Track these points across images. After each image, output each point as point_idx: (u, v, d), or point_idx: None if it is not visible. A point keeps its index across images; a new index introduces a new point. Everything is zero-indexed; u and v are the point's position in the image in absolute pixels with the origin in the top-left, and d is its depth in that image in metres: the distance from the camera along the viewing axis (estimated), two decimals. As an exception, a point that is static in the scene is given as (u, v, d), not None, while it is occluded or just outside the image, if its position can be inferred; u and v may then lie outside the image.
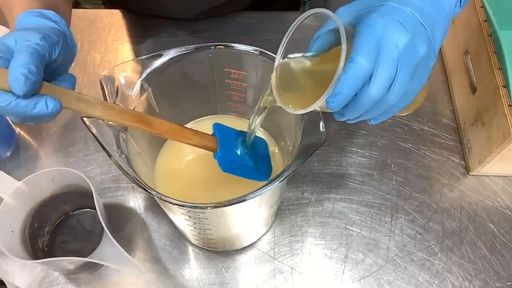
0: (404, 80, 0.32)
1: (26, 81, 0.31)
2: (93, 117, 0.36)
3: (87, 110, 0.35)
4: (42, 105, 0.33)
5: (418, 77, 0.33)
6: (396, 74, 0.31)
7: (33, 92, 0.32)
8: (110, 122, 0.37)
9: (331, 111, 0.33)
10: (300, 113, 0.33)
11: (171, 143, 0.50)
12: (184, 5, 0.67)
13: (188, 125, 0.52)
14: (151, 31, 0.70)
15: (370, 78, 0.31)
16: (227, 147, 0.42)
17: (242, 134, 0.44)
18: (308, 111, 0.32)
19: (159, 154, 0.50)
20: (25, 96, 0.32)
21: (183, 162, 0.50)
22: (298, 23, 0.34)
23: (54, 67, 0.36)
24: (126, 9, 0.72)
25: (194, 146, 0.41)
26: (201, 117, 0.53)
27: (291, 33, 0.35)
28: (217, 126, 0.43)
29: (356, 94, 0.32)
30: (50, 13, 0.39)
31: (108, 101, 0.40)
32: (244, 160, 0.43)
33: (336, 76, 0.30)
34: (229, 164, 0.42)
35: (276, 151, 0.51)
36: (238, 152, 0.43)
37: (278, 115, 0.46)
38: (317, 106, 0.32)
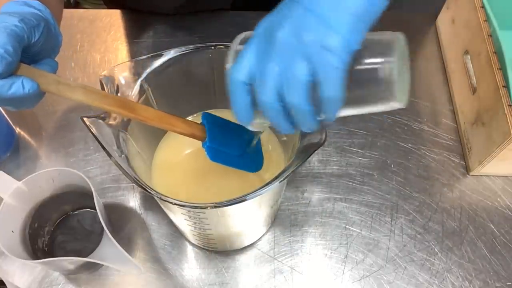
0: (278, 79, 0.31)
1: (2, 60, 0.31)
2: (74, 100, 0.35)
3: (67, 93, 0.35)
4: (18, 86, 0.33)
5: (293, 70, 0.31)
6: (277, 83, 0.31)
7: (9, 72, 0.33)
8: (101, 108, 0.37)
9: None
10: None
11: (167, 141, 0.50)
12: None
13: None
14: (151, 31, 0.70)
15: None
16: (216, 136, 0.41)
17: (232, 124, 0.43)
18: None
19: (156, 152, 0.50)
20: (1, 76, 0.32)
21: (181, 161, 0.50)
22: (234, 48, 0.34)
23: (35, 51, 0.36)
24: (129, 8, 0.72)
25: (181, 134, 0.40)
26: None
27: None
28: (206, 115, 0.42)
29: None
30: (35, 2, 0.38)
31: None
32: (234, 150, 0.42)
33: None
34: (217, 153, 0.41)
35: (277, 151, 0.51)
36: (227, 141, 0.42)
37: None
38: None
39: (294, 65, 0.29)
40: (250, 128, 0.36)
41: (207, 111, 0.43)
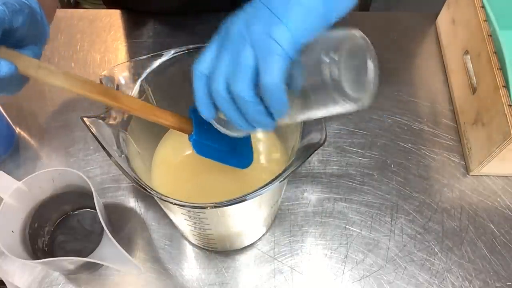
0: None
1: None
2: (55, 86, 0.35)
3: (47, 78, 0.35)
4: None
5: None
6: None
7: None
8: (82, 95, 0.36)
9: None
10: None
11: (167, 141, 0.50)
12: None
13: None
14: (151, 31, 0.70)
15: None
16: (203, 130, 0.41)
17: None
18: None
19: (156, 152, 0.50)
20: None
21: (181, 161, 0.50)
22: None
23: (18, 37, 0.36)
24: (128, 8, 0.72)
25: (167, 126, 0.40)
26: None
27: None
28: (194, 109, 0.41)
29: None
30: None
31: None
32: (222, 145, 0.42)
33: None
34: (204, 148, 0.41)
35: (277, 151, 0.51)
36: (215, 136, 0.41)
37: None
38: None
39: (240, 52, 0.30)
40: (227, 133, 0.37)
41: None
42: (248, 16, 0.31)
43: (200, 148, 0.41)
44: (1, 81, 0.34)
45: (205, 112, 0.35)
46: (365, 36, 0.30)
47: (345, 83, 0.29)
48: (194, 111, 0.41)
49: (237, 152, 0.43)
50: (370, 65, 0.31)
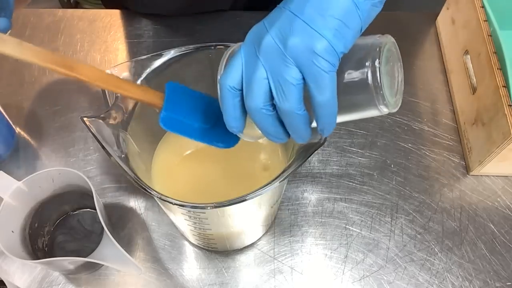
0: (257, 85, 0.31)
1: None
2: (7, 55, 0.34)
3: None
4: None
5: (274, 80, 0.31)
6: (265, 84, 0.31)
7: None
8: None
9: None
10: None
11: (167, 141, 0.50)
12: None
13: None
14: (151, 31, 0.70)
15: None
16: (176, 105, 0.39)
17: (201, 94, 0.41)
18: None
19: (156, 152, 0.50)
20: None
21: (181, 161, 0.50)
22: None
23: None
24: (126, 8, 0.72)
25: (134, 99, 0.38)
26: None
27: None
28: (170, 84, 0.39)
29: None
30: None
31: (109, 101, 0.39)
32: (198, 122, 0.40)
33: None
34: (175, 123, 0.39)
35: (277, 151, 0.51)
36: (191, 112, 0.39)
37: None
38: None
39: (283, 69, 0.29)
40: (243, 137, 0.36)
41: (172, 82, 0.40)
42: (280, 28, 0.30)
43: (171, 124, 0.38)
44: None
45: (236, 126, 0.34)
46: (395, 42, 0.32)
47: (382, 88, 0.30)
48: (170, 86, 0.39)
49: (219, 131, 0.40)
50: (401, 71, 0.33)
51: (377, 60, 0.30)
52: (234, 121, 0.34)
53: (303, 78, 0.30)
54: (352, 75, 0.31)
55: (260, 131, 0.34)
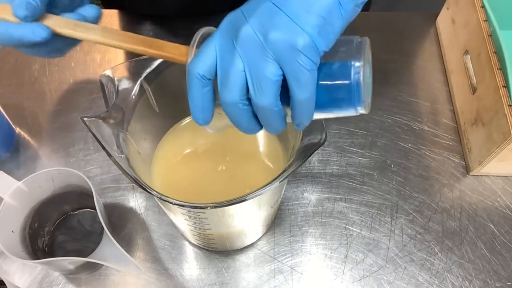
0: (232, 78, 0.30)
1: (27, 5, 0.33)
2: (92, 41, 0.36)
3: (86, 35, 0.35)
4: (28, 30, 0.34)
5: (251, 70, 0.29)
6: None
7: (33, 18, 0.34)
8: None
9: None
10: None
11: (167, 141, 0.50)
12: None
13: (187, 119, 0.52)
14: (150, 31, 0.70)
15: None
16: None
17: None
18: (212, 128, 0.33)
19: (156, 153, 0.50)
20: (25, 20, 0.34)
21: (181, 161, 0.50)
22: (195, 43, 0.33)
23: (63, 3, 0.37)
24: (123, 9, 0.72)
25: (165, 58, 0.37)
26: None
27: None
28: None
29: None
30: None
31: (109, 101, 0.39)
32: None
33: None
34: None
35: (277, 151, 0.51)
36: None
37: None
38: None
39: (262, 64, 0.28)
40: (208, 129, 0.35)
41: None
42: (262, 20, 0.29)
43: None
44: (44, 44, 0.35)
45: (203, 117, 0.32)
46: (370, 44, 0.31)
47: (362, 88, 0.30)
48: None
49: None
50: (371, 71, 0.32)
51: (361, 60, 0.30)
52: (202, 112, 0.32)
53: (282, 74, 0.29)
54: (334, 74, 0.30)
55: (225, 123, 0.33)
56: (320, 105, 0.31)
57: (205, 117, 0.33)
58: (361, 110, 0.31)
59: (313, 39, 0.28)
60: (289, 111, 0.31)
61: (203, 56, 0.30)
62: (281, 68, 0.29)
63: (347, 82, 0.30)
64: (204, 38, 0.33)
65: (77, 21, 0.36)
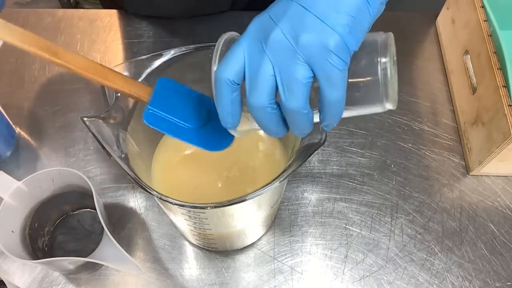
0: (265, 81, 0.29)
1: None
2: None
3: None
4: None
5: (283, 74, 0.29)
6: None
7: None
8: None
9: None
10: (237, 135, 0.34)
11: (168, 141, 0.50)
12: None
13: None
14: (151, 31, 0.70)
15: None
16: (164, 100, 0.37)
17: (193, 92, 0.39)
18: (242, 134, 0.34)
19: (156, 152, 0.50)
20: None
21: (181, 160, 0.50)
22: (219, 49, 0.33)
23: None
24: (123, 9, 0.72)
25: (119, 91, 0.37)
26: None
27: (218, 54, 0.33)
28: (161, 79, 0.37)
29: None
30: None
31: (109, 101, 0.39)
32: (185, 120, 0.38)
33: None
34: (159, 119, 0.37)
35: (277, 151, 0.51)
36: (179, 109, 0.37)
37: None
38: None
39: (293, 66, 0.28)
40: (233, 133, 0.34)
41: (164, 78, 0.38)
42: (291, 22, 0.28)
43: (156, 121, 0.37)
44: None
45: (233, 122, 0.32)
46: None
47: (389, 84, 0.30)
48: (161, 81, 0.38)
49: (209, 132, 0.39)
50: (396, 65, 0.32)
51: (387, 56, 0.30)
52: (231, 117, 0.32)
53: (312, 76, 0.29)
54: (362, 71, 0.30)
55: (250, 126, 0.33)
56: (348, 104, 0.31)
57: (234, 122, 0.32)
58: (389, 106, 0.31)
59: (344, 38, 0.28)
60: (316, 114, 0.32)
61: (231, 61, 0.30)
62: (311, 70, 0.29)
63: (374, 78, 0.30)
64: (227, 44, 0.33)
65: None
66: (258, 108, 0.30)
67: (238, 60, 0.30)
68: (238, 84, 0.31)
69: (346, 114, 0.33)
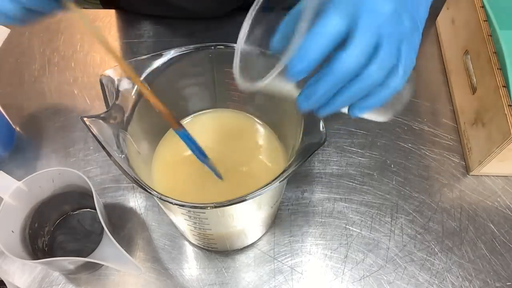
0: (388, 52, 0.28)
1: None
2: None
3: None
4: None
5: (406, 54, 0.29)
6: (377, 42, 0.27)
7: None
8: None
9: (292, 81, 0.28)
10: (255, 86, 0.30)
11: (167, 141, 0.50)
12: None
13: (187, 119, 0.52)
14: (151, 31, 0.70)
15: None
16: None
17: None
18: (265, 82, 0.29)
19: (156, 152, 0.50)
20: None
21: (181, 160, 0.50)
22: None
23: None
24: (122, 9, 0.72)
25: (160, 110, 0.39)
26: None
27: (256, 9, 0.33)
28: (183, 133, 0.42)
29: (326, 63, 0.27)
30: None
31: (109, 101, 0.40)
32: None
33: (300, 32, 0.25)
34: (189, 141, 0.42)
35: (277, 151, 0.51)
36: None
37: (280, 114, 0.46)
38: (274, 74, 0.27)
39: (412, 47, 0.30)
40: (261, 83, 0.30)
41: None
42: (394, 3, 0.28)
43: (187, 139, 0.42)
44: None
45: (302, 69, 0.28)
46: None
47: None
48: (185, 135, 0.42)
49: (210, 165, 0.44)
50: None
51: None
52: (308, 64, 0.27)
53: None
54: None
55: (280, 89, 0.32)
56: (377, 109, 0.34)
57: (305, 69, 0.28)
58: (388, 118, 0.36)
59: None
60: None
61: (355, 49, 0.28)
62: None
63: (400, 95, 0.34)
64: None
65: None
66: (347, 71, 0.28)
67: (366, 44, 0.28)
68: (336, 44, 0.28)
69: (371, 116, 0.36)
